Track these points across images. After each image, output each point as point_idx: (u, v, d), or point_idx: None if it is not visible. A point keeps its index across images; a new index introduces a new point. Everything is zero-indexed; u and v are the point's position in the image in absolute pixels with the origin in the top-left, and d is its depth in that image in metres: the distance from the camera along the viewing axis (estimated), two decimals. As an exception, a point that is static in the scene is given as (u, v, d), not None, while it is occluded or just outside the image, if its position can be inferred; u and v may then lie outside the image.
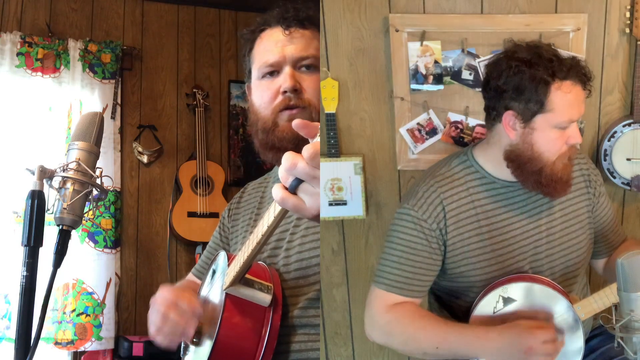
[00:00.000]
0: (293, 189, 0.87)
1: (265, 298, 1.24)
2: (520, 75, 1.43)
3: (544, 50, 1.45)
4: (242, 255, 1.16)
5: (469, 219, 1.52)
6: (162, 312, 1.28)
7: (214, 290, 1.33)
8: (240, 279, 1.22)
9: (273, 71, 1.39)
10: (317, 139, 0.86)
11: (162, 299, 1.30)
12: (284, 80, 1.36)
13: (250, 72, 1.47)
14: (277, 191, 0.89)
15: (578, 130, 1.48)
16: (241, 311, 1.22)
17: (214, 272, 1.40)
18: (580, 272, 1.62)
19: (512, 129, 1.47)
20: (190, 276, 1.68)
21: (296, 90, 1.34)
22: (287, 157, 0.86)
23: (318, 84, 1.37)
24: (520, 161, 1.49)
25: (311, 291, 1.31)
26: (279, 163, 1.44)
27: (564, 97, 1.42)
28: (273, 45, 1.39)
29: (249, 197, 1.60)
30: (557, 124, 1.45)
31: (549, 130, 1.45)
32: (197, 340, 1.31)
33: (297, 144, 1.30)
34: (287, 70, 1.36)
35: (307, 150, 0.85)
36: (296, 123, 0.87)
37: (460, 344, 1.44)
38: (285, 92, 1.35)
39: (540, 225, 1.55)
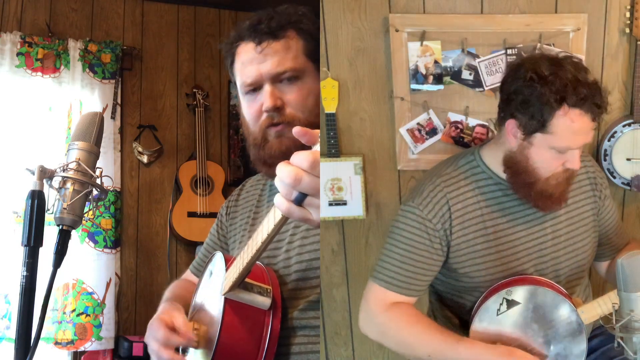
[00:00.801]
0: (298, 203, 0.85)
1: (264, 302, 1.24)
2: (530, 90, 1.40)
3: (565, 69, 1.39)
4: (241, 261, 1.16)
5: (474, 220, 1.52)
6: (155, 352, 1.30)
7: (212, 294, 1.33)
8: (239, 284, 1.22)
9: (255, 88, 1.36)
10: (317, 147, 0.85)
11: (152, 339, 1.31)
12: (265, 99, 1.33)
13: (236, 83, 1.46)
14: (281, 202, 0.87)
15: (578, 157, 1.45)
16: (241, 316, 1.22)
17: (211, 273, 1.40)
18: (584, 274, 1.62)
19: (513, 136, 1.47)
20: (188, 274, 1.68)
21: (277, 107, 1.32)
22: (288, 172, 0.83)
23: (302, 94, 1.32)
24: (515, 169, 1.49)
25: (313, 294, 1.31)
26: (272, 177, 1.45)
27: (568, 124, 1.39)
28: (249, 63, 1.36)
29: (247, 195, 1.60)
30: (555, 147, 1.42)
31: (546, 150, 1.44)
32: (196, 342, 1.30)
33: (289, 155, 1.30)
34: (266, 88, 1.33)
35: (305, 159, 0.83)
36: (296, 131, 0.85)
37: (453, 358, 1.43)
38: (267, 110, 1.33)
39: (545, 228, 1.55)
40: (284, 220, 0.93)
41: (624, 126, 1.89)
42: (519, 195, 1.51)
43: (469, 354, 1.41)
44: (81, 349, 3.17)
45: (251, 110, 1.38)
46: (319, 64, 1.36)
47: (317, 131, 0.86)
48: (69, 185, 1.17)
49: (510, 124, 1.46)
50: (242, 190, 1.63)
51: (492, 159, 1.55)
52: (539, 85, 1.39)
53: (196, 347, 1.32)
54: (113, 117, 3.48)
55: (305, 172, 0.83)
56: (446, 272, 1.57)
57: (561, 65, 1.40)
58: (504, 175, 1.53)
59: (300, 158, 0.84)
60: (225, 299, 1.22)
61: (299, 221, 0.88)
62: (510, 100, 1.45)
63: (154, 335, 1.29)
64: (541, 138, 1.43)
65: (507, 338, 1.45)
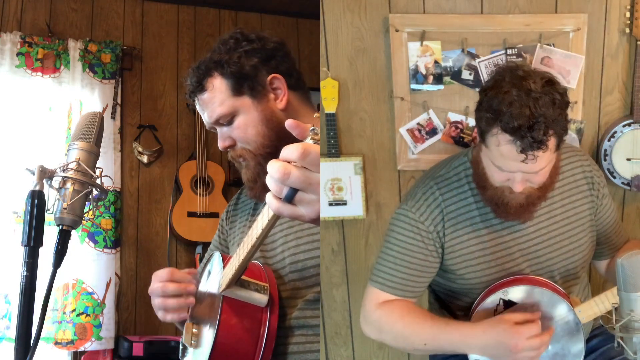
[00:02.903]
0: (289, 200, 0.83)
1: (261, 299, 1.24)
2: (483, 96, 1.39)
3: (521, 92, 1.31)
4: (237, 258, 1.16)
5: (468, 221, 1.52)
6: (159, 290, 1.36)
7: (210, 292, 1.34)
8: (236, 281, 1.22)
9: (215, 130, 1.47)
10: (308, 140, 0.83)
11: (155, 279, 1.39)
12: (218, 141, 1.45)
13: None
14: (271, 200, 0.86)
15: (518, 181, 1.39)
16: (238, 313, 1.22)
17: (209, 273, 1.41)
18: (581, 274, 1.62)
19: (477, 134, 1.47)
20: None
21: (229, 146, 1.43)
22: (277, 168, 0.82)
23: (241, 130, 1.40)
24: (474, 169, 1.50)
25: (310, 293, 1.31)
26: (256, 199, 1.49)
27: (496, 145, 1.36)
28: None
29: (246, 198, 1.61)
30: (492, 163, 1.40)
31: (489, 161, 1.42)
32: (195, 341, 1.31)
33: (256, 180, 1.40)
34: (217, 131, 1.45)
35: (295, 150, 0.82)
36: (289, 124, 0.86)
37: (447, 341, 1.44)
38: (222, 150, 1.46)
39: (540, 229, 1.54)
40: (277, 216, 0.92)
41: (624, 126, 1.89)
42: (480, 197, 1.50)
43: (460, 337, 1.42)
44: (81, 349, 3.17)
45: None
46: (251, 93, 1.40)
47: (308, 125, 0.85)
48: (69, 185, 1.17)
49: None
50: (241, 194, 1.65)
51: None
52: (486, 97, 1.37)
53: (195, 347, 1.32)
54: (113, 117, 3.48)
55: (294, 167, 0.82)
56: (442, 273, 1.57)
57: (523, 85, 1.32)
58: None
59: (289, 150, 0.83)
60: (223, 297, 1.22)
61: (291, 218, 0.87)
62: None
63: (159, 275, 1.37)
64: (484, 148, 1.42)
65: None
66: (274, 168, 0.83)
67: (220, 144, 1.44)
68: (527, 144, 1.30)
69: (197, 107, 1.47)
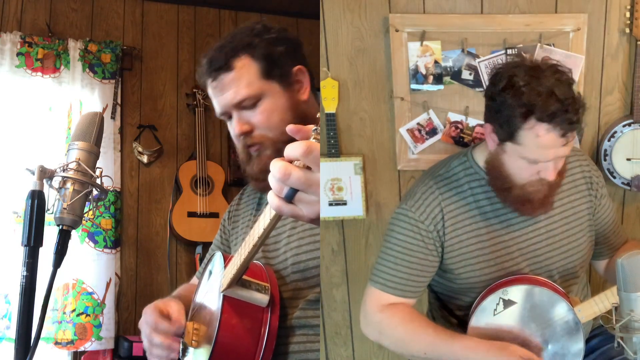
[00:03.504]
0: (289, 199, 0.84)
1: (262, 299, 1.24)
2: (502, 99, 1.39)
3: (541, 81, 1.35)
4: (238, 257, 1.16)
5: (467, 221, 1.52)
6: (146, 336, 1.36)
7: (211, 292, 1.34)
8: (238, 281, 1.22)
9: (228, 116, 1.42)
10: (314, 141, 0.84)
11: (144, 323, 1.37)
12: (234, 126, 1.40)
13: None
14: (272, 198, 0.87)
15: (552, 169, 1.41)
16: (239, 313, 1.22)
17: (210, 273, 1.40)
18: (580, 274, 1.62)
19: (491, 140, 1.46)
20: (194, 280, 1.69)
21: (246, 132, 1.38)
22: (279, 167, 0.83)
23: (265, 115, 1.37)
24: (493, 174, 1.49)
25: (311, 293, 1.31)
26: (262, 192, 1.47)
27: (534, 138, 1.36)
28: (213, 97, 1.43)
29: (248, 199, 1.61)
30: (525, 158, 1.41)
31: (517, 159, 1.42)
32: (196, 341, 1.31)
33: (267, 171, 1.34)
34: (234, 116, 1.40)
35: (298, 147, 0.82)
36: (290, 129, 0.86)
37: (448, 353, 1.43)
38: (237, 136, 1.40)
39: (539, 228, 1.54)
40: (279, 215, 0.93)
41: (624, 126, 1.89)
42: (500, 199, 1.50)
43: (462, 350, 1.42)
44: (81, 349, 3.17)
45: (231, 134, 1.45)
46: (280, 79, 1.38)
47: (310, 126, 0.86)
48: (69, 185, 1.17)
49: (488, 128, 1.46)
50: (242, 195, 1.65)
51: (484, 159, 1.55)
52: (509, 96, 1.37)
53: (195, 346, 1.32)
54: (113, 117, 3.48)
55: (296, 168, 0.83)
56: (442, 273, 1.57)
57: (538, 76, 1.36)
58: None
59: (292, 148, 0.84)
60: (224, 297, 1.23)
61: (291, 217, 0.88)
62: (487, 105, 1.45)
63: (146, 320, 1.36)
64: (512, 147, 1.42)
65: (504, 338, 1.45)
66: (275, 167, 0.84)
67: (238, 129, 1.39)
68: (566, 127, 1.34)
69: (211, 91, 1.41)
